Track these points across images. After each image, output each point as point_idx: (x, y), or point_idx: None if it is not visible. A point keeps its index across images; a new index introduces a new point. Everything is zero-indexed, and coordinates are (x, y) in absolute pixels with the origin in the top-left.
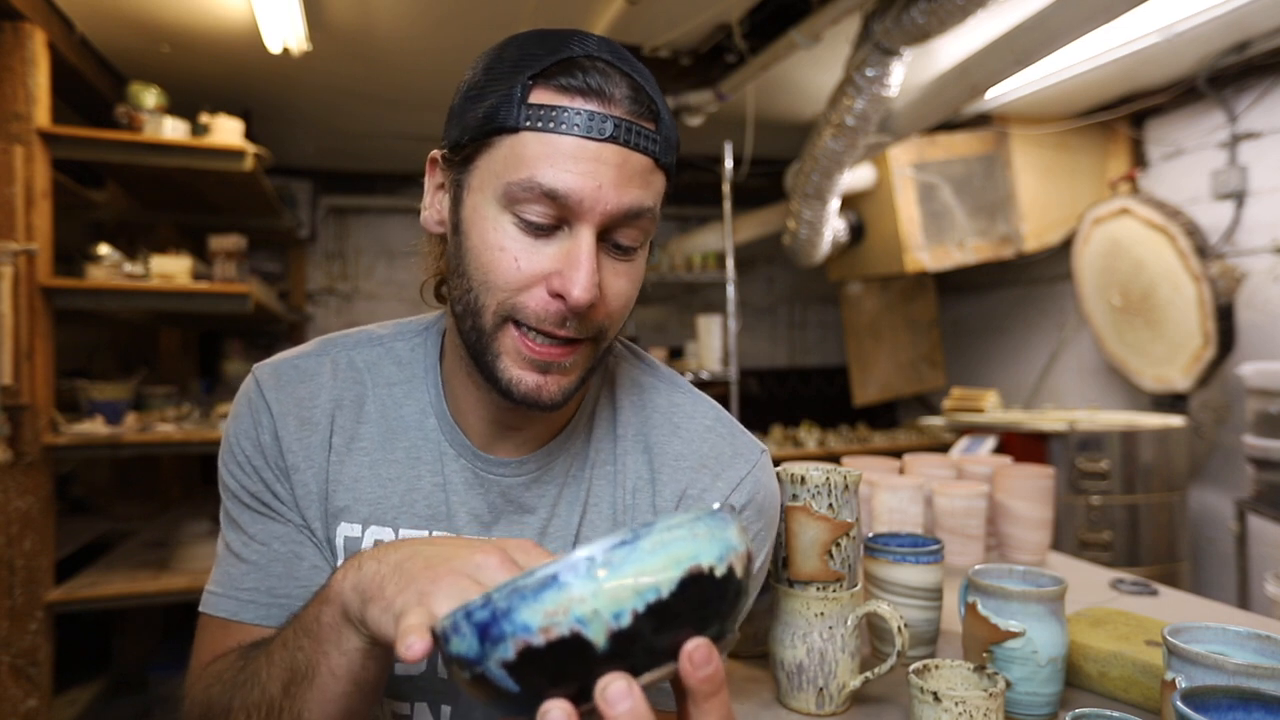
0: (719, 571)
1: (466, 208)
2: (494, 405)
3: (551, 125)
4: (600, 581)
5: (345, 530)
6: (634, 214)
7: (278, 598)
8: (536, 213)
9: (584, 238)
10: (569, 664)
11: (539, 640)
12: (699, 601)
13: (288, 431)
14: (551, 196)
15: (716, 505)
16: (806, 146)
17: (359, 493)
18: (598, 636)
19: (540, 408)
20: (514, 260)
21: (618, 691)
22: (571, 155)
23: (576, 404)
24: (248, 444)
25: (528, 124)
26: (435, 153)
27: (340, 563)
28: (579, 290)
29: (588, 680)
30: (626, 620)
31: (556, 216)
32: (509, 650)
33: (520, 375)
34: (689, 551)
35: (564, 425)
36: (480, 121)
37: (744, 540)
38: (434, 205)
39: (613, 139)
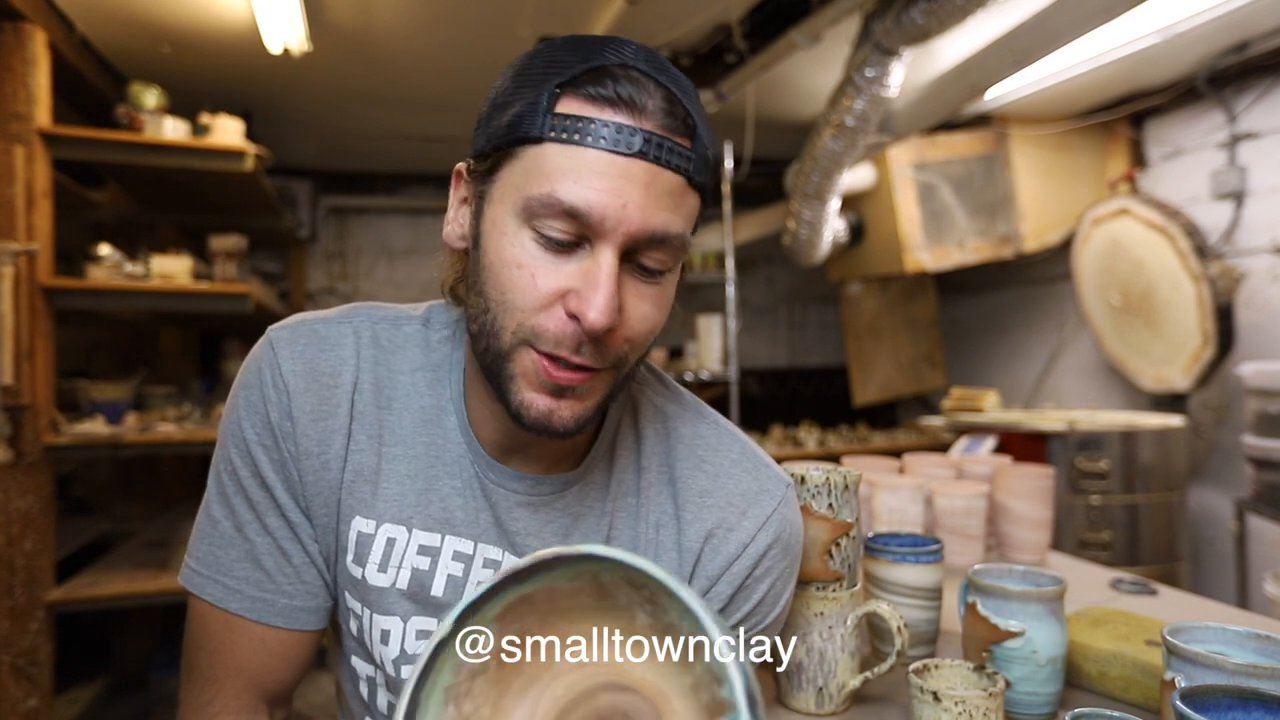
0: None
1: (486, 220)
2: (507, 422)
3: (577, 137)
4: None
5: (359, 525)
6: (660, 238)
7: (266, 591)
8: (556, 229)
9: (605, 258)
10: None
11: None
12: None
13: (304, 412)
14: (573, 214)
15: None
16: (806, 146)
17: (378, 487)
18: None
19: (551, 434)
20: (531, 277)
21: None
22: (596, 170)
23: (596, 430)
24: (256, 420)
25: (552, 134)
26: (460, 165)
27: (350, 558)
28: (595, 313)
29: None
30: None
31: (577, 234)
32: None
33: (532, 399)
34: None
35: (586, 450)
36: (504, 131)
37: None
38: (456, 219)
39: (641, 154)
